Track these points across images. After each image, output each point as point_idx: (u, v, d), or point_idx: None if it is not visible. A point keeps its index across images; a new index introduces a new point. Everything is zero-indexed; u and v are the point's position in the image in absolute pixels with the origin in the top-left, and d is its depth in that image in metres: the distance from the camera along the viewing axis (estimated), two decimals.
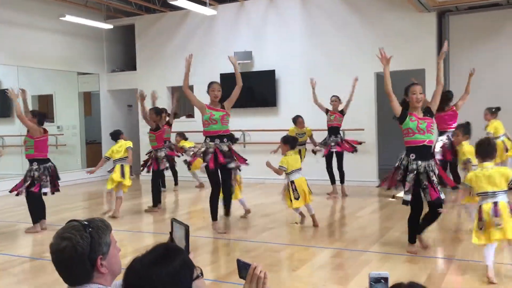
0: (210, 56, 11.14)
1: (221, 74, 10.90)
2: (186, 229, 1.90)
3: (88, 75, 12.26)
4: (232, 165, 6.02)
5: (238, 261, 1.89)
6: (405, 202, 4.75)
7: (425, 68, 9.24)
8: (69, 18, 10.12)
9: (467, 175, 4.27)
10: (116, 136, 7.54)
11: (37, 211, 6.47)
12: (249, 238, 5.82)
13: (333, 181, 8.61)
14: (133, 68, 12.31)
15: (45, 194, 6.46)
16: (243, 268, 1.86)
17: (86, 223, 1.73)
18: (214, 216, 6.09)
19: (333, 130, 8.45)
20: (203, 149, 6.02)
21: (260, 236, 5.90)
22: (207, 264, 4.82)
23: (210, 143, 5.98)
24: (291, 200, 6.11)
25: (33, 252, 5.67)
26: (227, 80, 10.88)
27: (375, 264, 4.64)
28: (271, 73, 10.43)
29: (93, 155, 12.31)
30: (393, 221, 6.44)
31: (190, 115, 11.63)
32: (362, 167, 9.55)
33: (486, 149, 4.16)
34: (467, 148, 5.46)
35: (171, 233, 1.98)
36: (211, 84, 6.28)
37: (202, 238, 5.88)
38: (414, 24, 9.25)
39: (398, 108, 4.91)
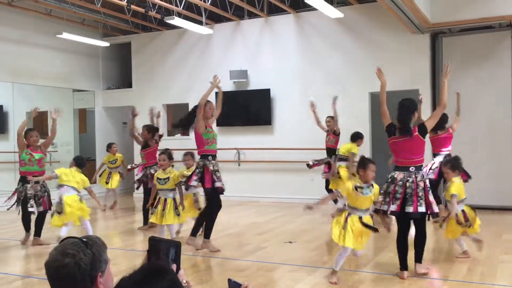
0: (206, 75, 11.14)
1: (216, 93, 10.93)
2: (178, 246, 1.88)
3: (83, 92, 12.28)
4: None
5: (229, 280, 1.89)
6: (392, 213, 4.60)
7: (419, 88, 9.31)
8: (66, 35, 10.18)
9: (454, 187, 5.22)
10: (82, 163, 7.06)
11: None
12: (241, 257, 5.78)
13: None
14: (129, 85, 12.35)
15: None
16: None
17: (86, 240, 1.72)
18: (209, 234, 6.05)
19: (329, 151, 8.43)
20: (211, 168, 5.90)
21: (253, 255, 5.86)
22: (198, 283, 4.77)
23: (212, 161, 5.96)
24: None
25: (23, 270, 5.59)
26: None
27: (368, 285, 4.61)
28: (266, 91, 10.49)
29: (87, 172, 12.24)
30: (388, 240, 6.41)
31: (185, 133, 11.61)
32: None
33: (459, 165, 5.49)
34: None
35: (148, 251, 1.90)
36: (208, 102, 6.28)
37: (194, 257, 5.83)
38: (408, 45, 9.36)
39: (387, 118, 5.08)
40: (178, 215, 6.19)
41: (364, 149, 9.38)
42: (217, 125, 10.83)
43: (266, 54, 10.66)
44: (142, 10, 9.53)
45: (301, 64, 10.31)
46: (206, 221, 6.02)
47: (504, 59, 8.80)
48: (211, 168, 5.89)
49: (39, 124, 11.94)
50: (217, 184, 5.84)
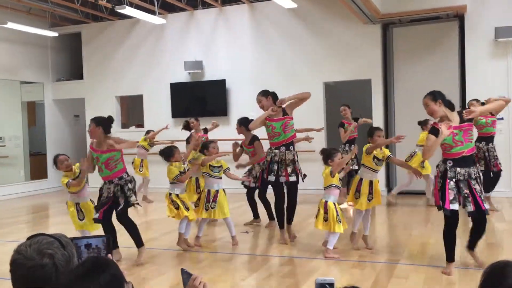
0: (160, 66, 11.02)
1: (171, 84, 10.81)
2: (107, 238, 1.89)
3: (32, 84, 11.84)
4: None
5: (182, 270, 1.90)
6: (451, 213, 4.26)
7: (371, 78, 9.52)
8: (11, 25, 9.75)
9: None
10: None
11: None
12: (198, 248, 5.74)
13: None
14: (80, 77, 11.99)
15: None
16: (186, 278, 1.88)
17: (60, 239, 1.63)
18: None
19: (350, 142, 8.20)
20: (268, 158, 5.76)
21: (209, 246, 5.85)
22: (155, 276, 4.72)
23: (275, 150, 5.72)
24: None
25: None
26: (176, 89, 10.81)
27: (324, 271, 4.69)
28: (222, 82, 10.44)
29: (37, 166, 11.86)
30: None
31: (140, 125, 11.43)
32: (312, 175, 9.65)
33: None
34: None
35: None
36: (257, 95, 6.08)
37: (152, 250, 5.75)
38: (360, 36, 9.52)
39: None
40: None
41: (319, 139, 9.52)
42: (173, 116, 10.72)
43: (220, 44, 10.59)
44: None
45: (255, 54, 10.30)
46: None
47: (452, 48, 9.10)
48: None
49: None
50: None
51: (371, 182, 5.33)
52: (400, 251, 5.30)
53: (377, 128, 5.46)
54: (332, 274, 4.52)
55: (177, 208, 5.51)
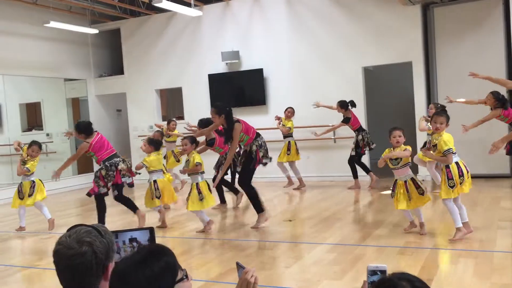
0: (197, 57, 11.11)
1: (209, 75, 10.89)
2: (151, 231, 1.92)
3: (75, 81, 12.19)
4: None
5: (237, 263, 1.93)
6: None
7: (412, 60, 9.28)
8: (53, 24, 10.04)
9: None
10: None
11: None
12: (242, 237, 5.81)
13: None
14: (121, 72, 12.25)
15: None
16: (240, 271, 1.92)
17: (98, 228, 1.69)
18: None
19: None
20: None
21: (253, 235, 5.89)
22: (200, 265, 4.80)
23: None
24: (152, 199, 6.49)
25: (25, 261, 5.61)
26: (214, 80, 10.88)
27: (369, 258, 4.64)
28: (259, 71, 10.43)
29: (83, 161, 12.23)
30: (385, 214, 6.46)
31: (180, 117, 11.58)
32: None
33: None
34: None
35: None
36: None
37: (195, 239, 5.85)
38: (399, 18, 9.28)
39: None
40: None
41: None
42: (212, 106, 10.80)
43: (257, 33, 10.56)
44: None
45: (292, 41, 10.23)
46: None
47: (497, 27, 8.74)
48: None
49: (32, 116, 11.91)
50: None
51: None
52: (448, 236, 5.18)
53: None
54: (378, 260, 4.47)
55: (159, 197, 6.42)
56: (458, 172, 4.83)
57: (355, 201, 7.94)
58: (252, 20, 10.62)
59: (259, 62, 10.49)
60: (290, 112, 9.08)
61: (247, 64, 10.64)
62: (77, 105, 12.79)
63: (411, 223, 5.38)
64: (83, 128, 6.31)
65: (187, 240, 5.84)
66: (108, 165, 6.17)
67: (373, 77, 10.80)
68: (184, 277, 1.60)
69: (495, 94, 7.07)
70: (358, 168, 8.66)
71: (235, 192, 7.59)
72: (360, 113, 9.60)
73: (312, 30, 10.01)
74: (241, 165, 6.17)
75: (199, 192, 5.90)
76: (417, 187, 5.16)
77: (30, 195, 6.56)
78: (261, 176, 9.48)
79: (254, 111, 10.43)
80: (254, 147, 6.06)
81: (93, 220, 7.39)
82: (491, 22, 8.78)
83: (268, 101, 10.46)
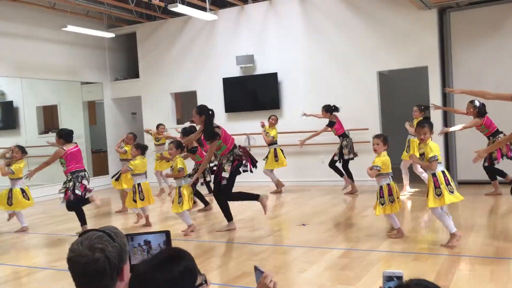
0: (212, 61, 11.17)
1: (223, 79, 10.93)
2: (167, 234, 1.91)
3: (91, 84, 12.32)
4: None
5: (255, 267, 1.92)
6: None
7: (428, 65, 9.22)
8: (71, 28, 10.18)
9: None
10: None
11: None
12: (255, 241, 5.81)
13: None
14: (136, 75, 12.36)
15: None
16: (258, 275, 1.90)
17: (109, 232, 1.70)
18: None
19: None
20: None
21: (266, 239, 5.89)
22: (214, 268, 4.81)
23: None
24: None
25: (41, 262, 5.68)
26: (228, 84, 10.92)
27: (384, 263, 4.62)
28: (274, 76, 10.44)
29: (99, 163, 12.36)
30: (400, 219, 6.41)
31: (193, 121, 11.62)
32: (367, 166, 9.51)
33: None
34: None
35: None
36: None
37: (209, 242, 5.88)
38: (415, 22, 9.23)
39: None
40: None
41: (374, 129, 9.36)
42: (226, 111, 10.85)
43: (271, 37, 10.58)
44: None
45: (307, 46, 10.22)
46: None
47: None
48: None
49: (49, 118, 12.05)
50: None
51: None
52: (463, 242, 5.12)
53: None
54: (393, 267, 4.44)
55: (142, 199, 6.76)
56: (445, 181, 4.91)
57: (369, 206, 7.89)
58: (267, 24, 10.64)
59: (274, 66, 10.50)
60: (274, 120, 9.34)
61: (262, 68, 10.67)
62: (93, 108, 12.93)
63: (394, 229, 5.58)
64: (64, 135, 6.76)
65: (200, 244, 5.86)
66: (75, 177, 6.55)
67: (388, 81, 10.74)
68: (204, 282, 1.60)
69: (473, 103, 7.33)
70: (335, 170, 8.92)
71: (206, 203, 8.01)
72: (374, 118, 9.57)
73: (327, 34, 10.00)
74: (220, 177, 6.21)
75: (180, 196, 6.23)
76: (390, 194, 5.39)
77: (10, 205, 6.98)
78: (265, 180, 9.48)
79: (268, 115, 10.43)
80: (231, 158, 6.22)
81: (107, 222, 7.47)
82: (508, 26, 8.69)
83: (282, 105, 10.46)
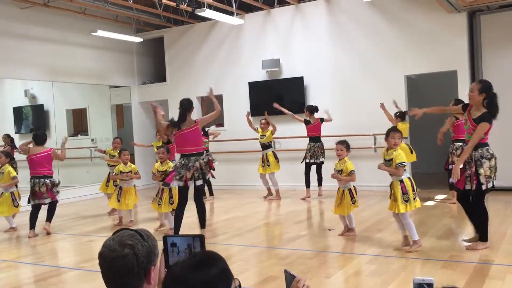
0: (238, 65, 11.22)
1: (249, 83, 10.97)
2: (201, 239, 1.91)
3: (119, 88, 12.53)
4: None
5: (286, 272, 1.90)
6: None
7: (457, 69, 9.07)
8: (100, 33, 10.38)
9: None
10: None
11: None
12: (281, 245, 5.80)
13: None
14: (163, 79, 12.51)
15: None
16: (289, 279, 1.87)
17: (141, 232, 1.72)
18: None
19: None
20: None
21: (292, 243, 5.88)
22: (240, 272, 4.82)
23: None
24: None
25: (69, 263, 5.79)
26: (254, 88, 10.95)
27: (411, 270, 4.55)
28: (300, 80, 10.43)
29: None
30: (427, 226, 6.32)
31: (220, 124, 11.70)
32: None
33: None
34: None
35: (164, 250, 1.92)
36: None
37: (235, 246, 5.89)
38: (444, 25, 9.09)
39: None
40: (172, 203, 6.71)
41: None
42: (252, 115, 10.87)
43: (298, 41, 10.57)
44: (173, 4, 9.59)
45: (333, 50, 10.18)
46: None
47: None
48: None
49: (78, 121, 12.30)
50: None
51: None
52: (495, 250, 5.01)
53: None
54: (421, 273, 4.37)
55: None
56: (412, 188, 5.11)
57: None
58: (293, 28, 10.64)
59: (300, 70, 10.49)
60: (263, 124, 9.36)
61: (288, 72, 10.66)
62: (120, 111, 13.13)
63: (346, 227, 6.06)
64: (34, 136, 7.16)
65: (226, 247, 5.88)
66: (37, 181, 6.98)
67: (416, 85, 10.60)
68: (238, 287, 1.60)
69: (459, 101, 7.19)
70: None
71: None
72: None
73: (353, 38, 9.94)
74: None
75: (170, 197, 6.65)
76: (351, 197, 5.97)
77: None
78: (303, 185, 9.43)
79: (295, 120, 10.42)
80: (206, 159, 6.36)
81: (133, 224, 7.56)
82: None
83: None
